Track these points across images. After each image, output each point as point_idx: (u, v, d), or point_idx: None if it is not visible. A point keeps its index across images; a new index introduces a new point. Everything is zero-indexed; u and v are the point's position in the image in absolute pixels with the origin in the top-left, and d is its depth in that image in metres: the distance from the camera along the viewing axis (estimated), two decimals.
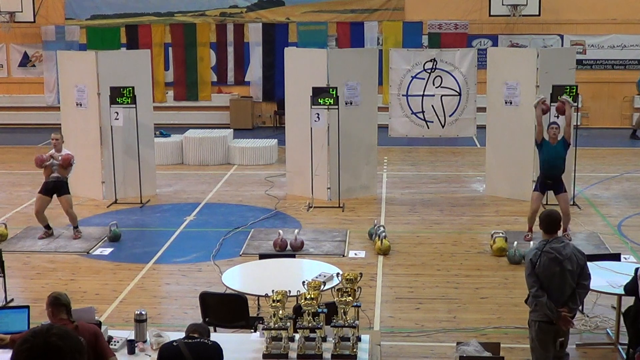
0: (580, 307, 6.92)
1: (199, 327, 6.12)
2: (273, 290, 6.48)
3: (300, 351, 6.26)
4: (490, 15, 20.83)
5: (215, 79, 22.28)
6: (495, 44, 20.99)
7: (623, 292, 7.59)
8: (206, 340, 5.88)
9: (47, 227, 12.01)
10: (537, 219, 7.10)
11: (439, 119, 14.82)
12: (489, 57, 14.47)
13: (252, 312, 8.20)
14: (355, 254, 11.23)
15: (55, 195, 11.83)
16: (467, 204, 13.93)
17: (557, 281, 6.66)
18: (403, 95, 14.83)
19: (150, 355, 6.45)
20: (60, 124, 14.56)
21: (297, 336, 6.40)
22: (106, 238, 11.92)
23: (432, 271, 10.55)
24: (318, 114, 13.29)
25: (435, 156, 18.00)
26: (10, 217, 13.25)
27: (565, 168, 11.71)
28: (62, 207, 11.94)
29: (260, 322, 7.33)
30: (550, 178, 11.38)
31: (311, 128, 13.54)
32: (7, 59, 22.64)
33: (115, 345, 6.54)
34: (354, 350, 6.28)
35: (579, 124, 14.86)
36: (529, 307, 6.98)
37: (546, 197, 12.95)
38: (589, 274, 6.85)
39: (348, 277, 6.82)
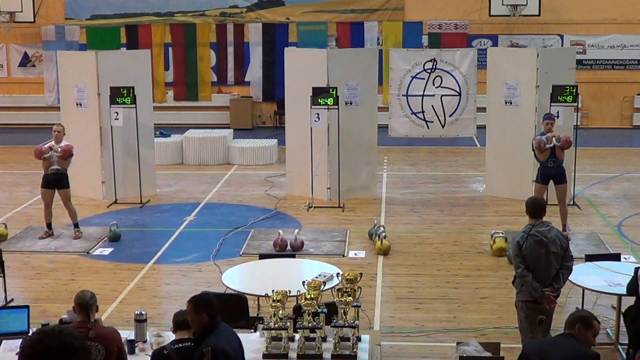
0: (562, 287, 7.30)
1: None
2: (273, 290, 6.48)
3: (300, 351, 6.25)
4: (490, 15, 20.83)
5: (215, 79, 22.28)
6: (495, 44, 20.99)
7: (623, 292, 7.59)
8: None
9: (49, 226, 12.01)
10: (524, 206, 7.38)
11: (439, 119, 14.82)
12: (489, 57, 14.46)
13: (252, 312, 8.20)
14: (355, 254, 11.23)
15: (56, 188, 11.82)
16: (467, 204, 13.92)
17: (542, 263, 7.01)
18: (403, 95, 14.82)
19: (150, 356, 6.43)
20: None
21: (297, 336, 6.40)
22: (106, 238, 11.92)
23: (432, 271, 10.55)
24: (318, 114, 13.29)
25: (435, 156, 17.99)
26: (10, 217, 13.25)
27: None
28: (60, 200, 11.93)
29: (260, 322, 7.31)
30: (552, 167, 11.44)
31: (311, 128, 13.53)
32: (7, 59, 22.64)
33: None
34: (354, 350, 6.27)
35: (579, 124, 14.84)
36: (515, 289, 7.25)
37: (546, 195, 12.96)
38: (572, 256, 7.23)
39: (348, 277, 6.83)
